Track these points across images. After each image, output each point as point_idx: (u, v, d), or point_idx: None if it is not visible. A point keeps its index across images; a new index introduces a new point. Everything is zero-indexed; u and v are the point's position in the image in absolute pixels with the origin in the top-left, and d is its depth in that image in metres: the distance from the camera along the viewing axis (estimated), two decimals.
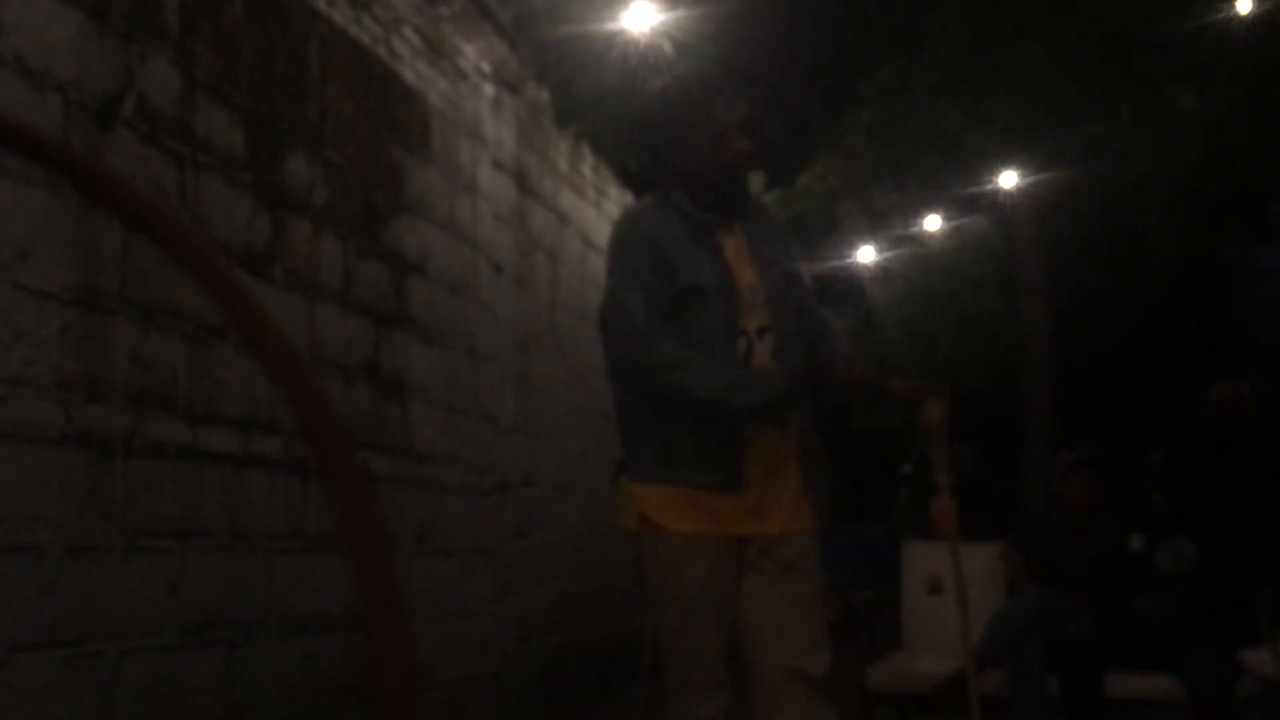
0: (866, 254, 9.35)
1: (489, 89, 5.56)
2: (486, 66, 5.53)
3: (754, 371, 2.70)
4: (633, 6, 5.19)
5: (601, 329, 2.85)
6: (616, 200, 7.50)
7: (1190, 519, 4.84)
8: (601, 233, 7.18)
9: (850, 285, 9.88)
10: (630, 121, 3.02)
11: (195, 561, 3.25)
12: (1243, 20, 6.15)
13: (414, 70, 4.79)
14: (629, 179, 7.46)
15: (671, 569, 2.69)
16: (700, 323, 2.69)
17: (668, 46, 5.36)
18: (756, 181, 8.86)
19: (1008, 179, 7.64)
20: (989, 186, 7.78)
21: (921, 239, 9.14)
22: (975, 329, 9.51)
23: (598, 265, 7.02)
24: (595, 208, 7.20)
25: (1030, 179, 7.58)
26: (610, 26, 5.34)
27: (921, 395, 3.07)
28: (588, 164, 7.10)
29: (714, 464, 2.69)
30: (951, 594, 3.54)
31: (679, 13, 5.34)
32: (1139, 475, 5.08)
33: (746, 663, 2.74)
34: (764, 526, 2.72)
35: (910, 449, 10.22)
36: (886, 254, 9.35)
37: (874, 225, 9.17)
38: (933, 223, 8.94)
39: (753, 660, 2.73)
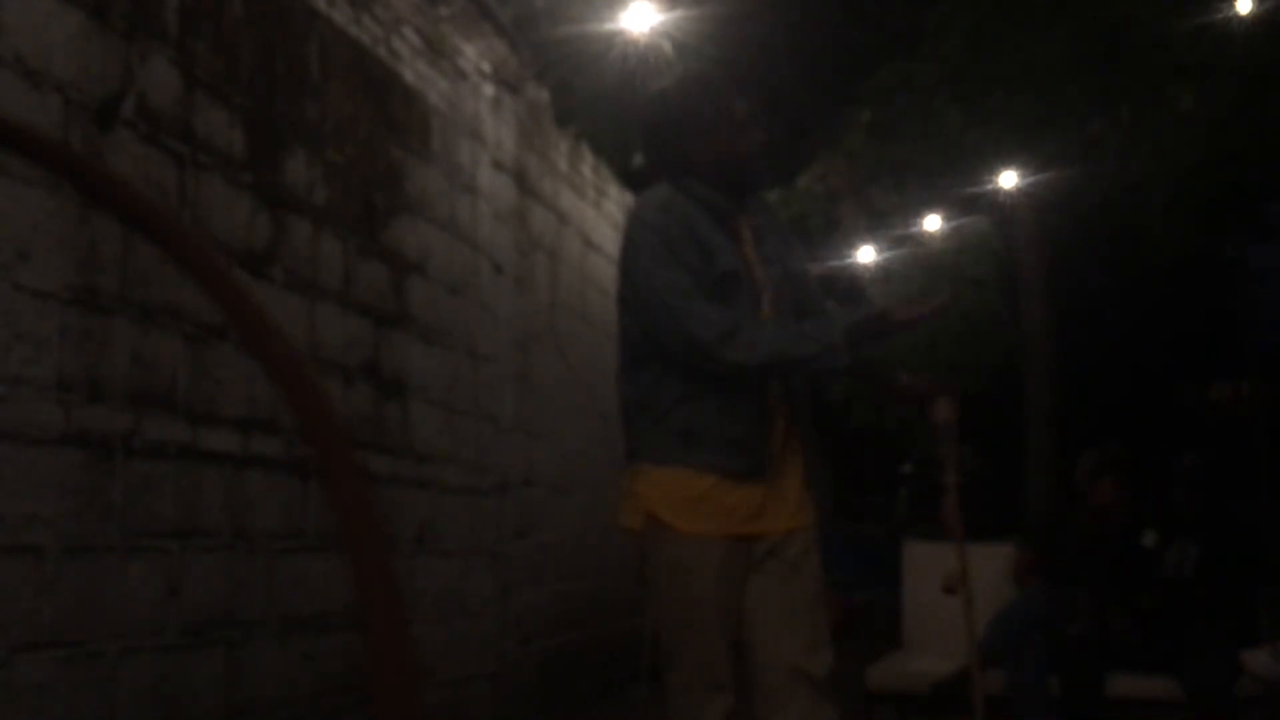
0: (866, 254, 9.35)
1: (489, 89, 5.57)
2: (486, 66, 5.53)
3: (807, 324, 2.69)
4: (633, 6, 5.19)
5: (622, 306, 2.80)
6: (616, 200, 7.50)
7: (1195, 520, 4.84)
8: (601, 233, 7.18)
9: (851, 285, 9.88)
10: (640, 116, 3.00)
11: (195, 561, 3.25)
12: (1242, 20, 6.14)
13: (414, 70, 4.79)
14: (629, 179, 7.46)
15: (679, 569, 2.68)
16: (737, 309, 2.68)
17: (668, 46, 5.36)
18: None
19: (1008, 179, 7.64)
20: (989, 186, 7.78)
21: (921, 239, 9.15)
22: (975, 329, 9.51)
23: (598, 265, 7.03)
24: (595, 208, 7.20)
25: (1030, 179, 7.58)
26: (610, 26, 5.33)
27: (931, 392, 3.06)
28: (588, 164, 7.10)
29: (740, 450, 2.68)
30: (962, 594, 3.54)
31: (679, 13, 5.34)
32: (1166, 476, 5.07)
33: (748, 663, 2.74)
34: (772, 524, 2.71)
35: (910, 449, 10.23)
36: (886, 254, 9.36)
37: (874, 225, 9.17)
38: (933, 223, 8.94)
39: (754, 660, 2.73)
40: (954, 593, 4.26)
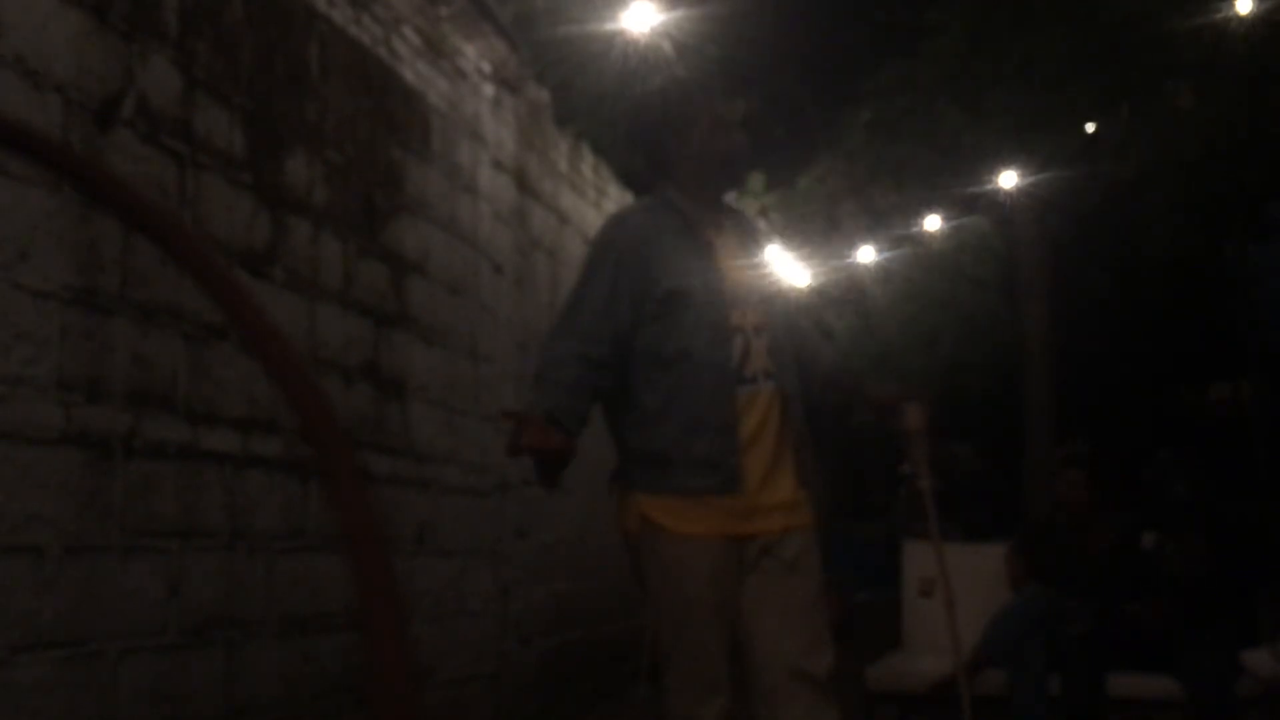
0: (866, 254, 9.35)
1: (489, 89, 5.56)
2: (486, 66, 5.53)
3: (552, 384, 2.72)
4: (633, 6, 5.19)
5: None
6: (616, 200, 7.50)
7: (1202, 517, 4.85)
8: None
9: (849, 288, 9.88)
10: (626, 116, 3.09)
11: (195, 561, 3.25)
12: (1242, 20, 6.15)
13: (414, 70, 4.79)
14: (629, 179, 7.46)
15: (674, 569, 2.69)
16: (684, 325, 2.72)
17: (668, 46, 5.37)
18: (757, 182, 8.87)
19: (1008, 179, 7.64)
20: (989, 186, 7.79)
21: (921, 239, 9.15)
22: (975, 329, 9.52)
23: None
24: (595, 208, 7.20)
25: (1030, 178, 7.58)
26: (610, 26, 5.34)
27: (898, 400, 3.08)
28: (588, 164, 7.10)
29: (709, 468, 2.69)
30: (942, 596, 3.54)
31: (679, 13, 5.34)
32: (1153, 471, 5.06)
33: (747, 662, 2.74)
34: (766, 524, 2.72)
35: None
36: (886, 254, 9.36)
37: (874, 225, 9.17)
38: (933, 223, 8.94)
39: (754, 660, 2.73)
40: (929, 596, 4.25)
